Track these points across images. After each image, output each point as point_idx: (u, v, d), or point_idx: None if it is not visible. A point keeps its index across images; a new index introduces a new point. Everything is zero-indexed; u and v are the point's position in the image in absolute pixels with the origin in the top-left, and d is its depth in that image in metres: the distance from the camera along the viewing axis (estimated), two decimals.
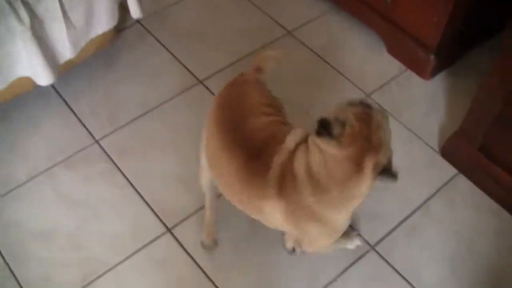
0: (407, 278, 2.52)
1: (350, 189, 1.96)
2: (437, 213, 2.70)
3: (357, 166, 1.90)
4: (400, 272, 2.54)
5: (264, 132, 2.13)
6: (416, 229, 2.66)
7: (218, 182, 2.26)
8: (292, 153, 2.04)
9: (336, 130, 1.89)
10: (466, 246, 2.62)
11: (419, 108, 3.08)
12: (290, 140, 2.07)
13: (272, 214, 2.10)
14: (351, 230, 2.51)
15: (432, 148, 2.92)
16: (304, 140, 2.05)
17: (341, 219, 2.12)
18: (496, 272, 2.55)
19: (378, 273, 2.53)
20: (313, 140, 1.97)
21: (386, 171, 1.93)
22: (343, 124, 1.90)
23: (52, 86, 3.04)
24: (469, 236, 2.64)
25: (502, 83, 2.44)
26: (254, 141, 2.11)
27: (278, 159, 2.05)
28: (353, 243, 2.54)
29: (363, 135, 1.91)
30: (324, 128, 1.89)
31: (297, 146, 2.06)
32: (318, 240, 2.21)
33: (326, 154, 1.93)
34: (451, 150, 2.86)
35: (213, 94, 3.06)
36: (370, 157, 1.90)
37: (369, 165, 1.90)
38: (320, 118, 1.91)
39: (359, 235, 2.54)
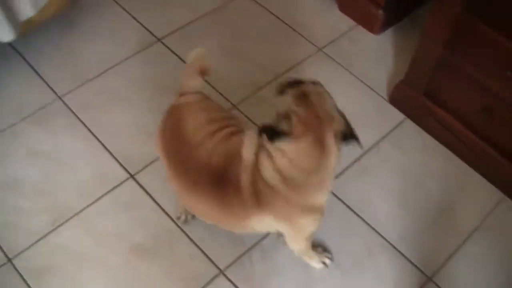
0: (359, 213, 2.67)
1: (323, 169, 1.96)
2: (386, 155, 2.85)
3: (320, 147, 1.90)
4: (352, 207, 2.68)
5: (217, 153, 2.08)
6: (367, 169, 2.80)
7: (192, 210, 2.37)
8: (255, 166, 2.02)
9: (283, 127, 1.89)
10: (413, 184, 2.77)
11: (368, 60, 3.23)
12: (248, 153, 2.04)
13: (261, 224, 2.15)
14: (322, 251, 2.57)
15: (381, 96, 3.07)
16: (261, 144, 2.02)
17: (325, 197, 2.12)
18: (440, 206, 2.72)
19: (332, 209, 2.65)
20: (271, 145, 1.95)
21: (348, 136, 1.96)
22: (286, 117, 1.91)
23: (14, 47, 3.14)
24: (416, 175, 2.80)
25: (441, 28, 2.58)
26: (211, 167, 2.07)
27: (245, 179, 2.03)
28: (320, 262, 2.53)
29: (309, 115, 1.91)
30: (271, 132, 1.89)
31: (257, 155, 2.03)
32: (310, 227, 2.21)
33: (288, 152, 1.93)
34: (398, 97, 3.00)
35: (172, 51, 3.17)
36: (327, 132, 1.90)
37: (330, 140, 1.90)
38: (262, 126, 1.92)
39: (330, 258, 2.56)
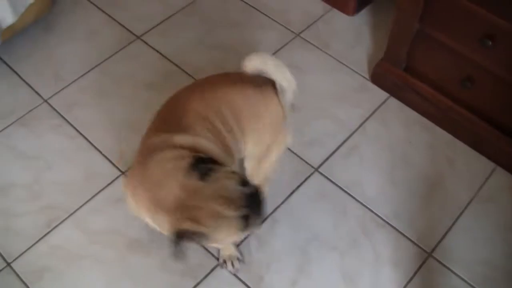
0: (351, 193, 2.57)
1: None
2: (373, 133, 2.76)
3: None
4: (344, 188, 2.59)
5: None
6: (355, 149, 2.71)
7: None
8: None
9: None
10: (402, 159, 2.67)
11: (346, 41, 3.13)
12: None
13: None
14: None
15: (362, 75, 2.97)
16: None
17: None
18: (429, 179, 2.63)
19: (324, 192, 2.58)
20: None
21: None
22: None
23: None
24: (403, 151, 2.70)
25: (415, 1, 2.49)
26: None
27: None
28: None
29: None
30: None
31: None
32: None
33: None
34: (379, 75, 2.90)
35: (152, 47, 3.06)
36: None
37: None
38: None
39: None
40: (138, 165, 1.92)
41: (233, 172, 1.82)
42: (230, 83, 2.09)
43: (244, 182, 1.81)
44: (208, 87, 2.09)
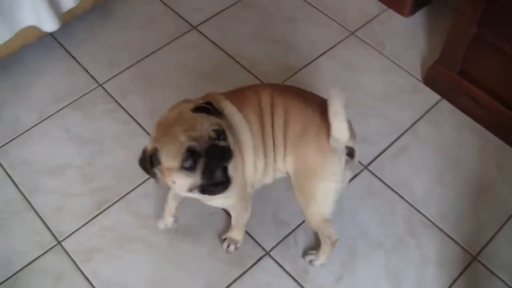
0: (399, 192, 2.60)
1: None
2: (423, 135, 2.78)
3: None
4: (392, 187, 2.61)
5: None
6: (405, 149, 2.73)
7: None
8: None
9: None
10: (451, 162, 2.69)
11: (400, 42, 3.15)
12: None
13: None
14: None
15: (415, 77, 2.99)
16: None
17: None
18: (478, 182, 2.64)
19: (372, 189, 2.61)
20: None
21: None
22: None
23: (54, 37, 3.08)
24: (453, 153, 2.72)
25: (474, 6, 2.50)
26: None
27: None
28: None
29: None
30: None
31: None
32: None
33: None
34: (433, 77, 2.92)
35: (207, 38, 3.11)
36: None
37: None
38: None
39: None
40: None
41: (219, 123, 1.90)
42: (303, 100, 2.14)
43: (220, 132, 1.89)
44: (287, 91, 2.19)
